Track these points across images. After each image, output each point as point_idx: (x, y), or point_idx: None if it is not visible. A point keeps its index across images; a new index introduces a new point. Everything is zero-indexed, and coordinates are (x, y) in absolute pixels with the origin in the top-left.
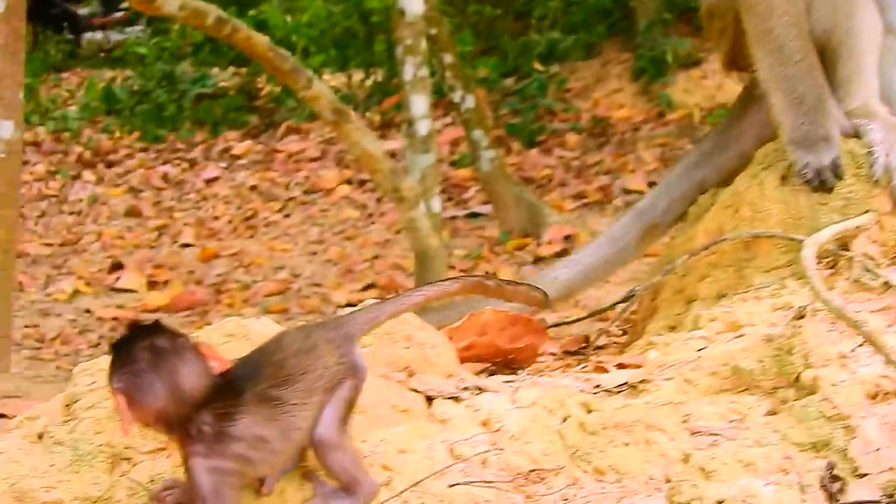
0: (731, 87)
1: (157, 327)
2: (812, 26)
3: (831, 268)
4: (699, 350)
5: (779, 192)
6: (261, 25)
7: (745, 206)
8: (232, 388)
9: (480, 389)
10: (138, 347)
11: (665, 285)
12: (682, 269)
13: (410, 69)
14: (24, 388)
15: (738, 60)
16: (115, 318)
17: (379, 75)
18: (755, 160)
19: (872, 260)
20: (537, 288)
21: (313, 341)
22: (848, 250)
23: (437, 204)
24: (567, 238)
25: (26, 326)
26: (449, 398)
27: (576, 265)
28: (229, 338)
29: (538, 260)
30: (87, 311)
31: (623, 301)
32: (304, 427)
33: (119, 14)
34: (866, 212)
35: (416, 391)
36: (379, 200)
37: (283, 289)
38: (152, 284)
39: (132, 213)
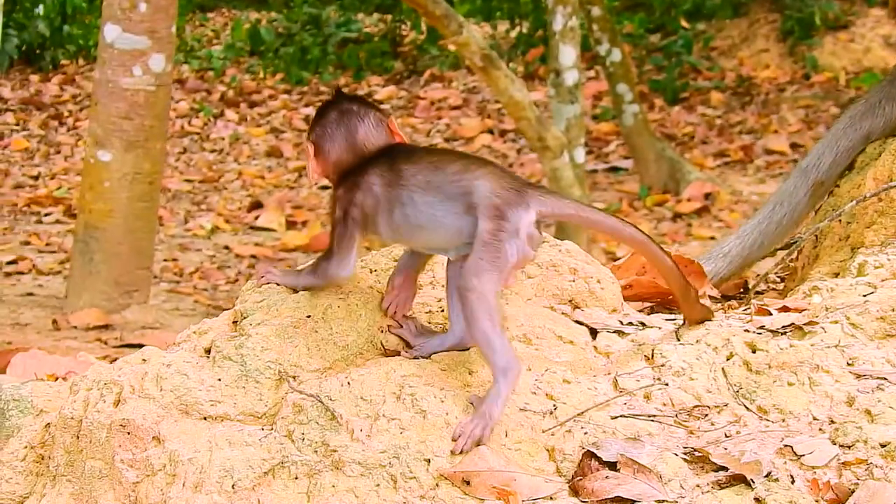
0: (878, 52)
1: (353, 97)
2: None
3: None
4: (865, 295)
5: None
6: None
7: None
8: (396, 161)
9: (644, 325)
10: (332, 108)
11: (829, 231)
12: (846, 216)
13: (560, 19)
14: (163, 320)
15: None
16: (252, 256)
17: (524, 26)
18: None
19: None
20: (696, 293)
21: (485, 171)
22: None
23: (580, 154)
24: (707, 196)
25: (165, 260)
26: (613, 332)
27: (747, 235)
28: (396, 262)
29: (677, 216)
30: (226, 247)
31: (785, 247)
32: (436, 229)
33: None
34: None
35: (581, 323)
36: (519, 151)
37: None
38: (291, 224)
39: (273, 153)
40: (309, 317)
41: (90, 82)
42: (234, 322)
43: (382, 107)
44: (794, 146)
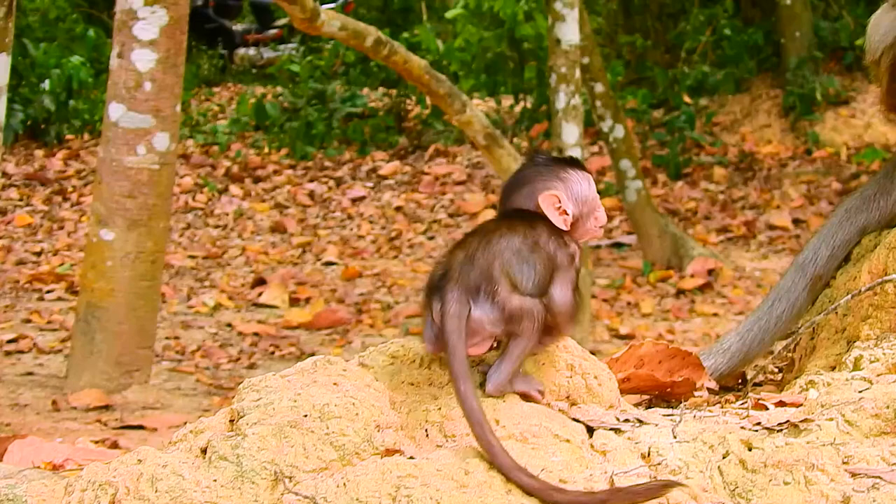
0: (879, 128)
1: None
2: None
3: None
4: (861, 391)
5: None
6: (413, 48)
7: None
8: None
9: (641, 422)
10: (568, 165)
11: (825, 324)
12: (843, 308)
13: (563, 97)
14: (165, 400)
15: None
16: (255, 334)
17: (528, 102)
18: None
19: None
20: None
21: None
22: None
23: None
24: (710, 272)
25: (168, 338)
26: (610, 429)
27: (747, 332)
28: (393, 359)
29: (680, 293)
30: (229, 325)
31: (783, 338)
32: None
33: (273, 31)
34: None
35: (577, 421)
36: None
37: None
38: (294, 301)
39: (277, 228)
40: (306, 416)
41: (95, 157)
42: (231, 421)
43: (386, 182)
44: (796, 222)
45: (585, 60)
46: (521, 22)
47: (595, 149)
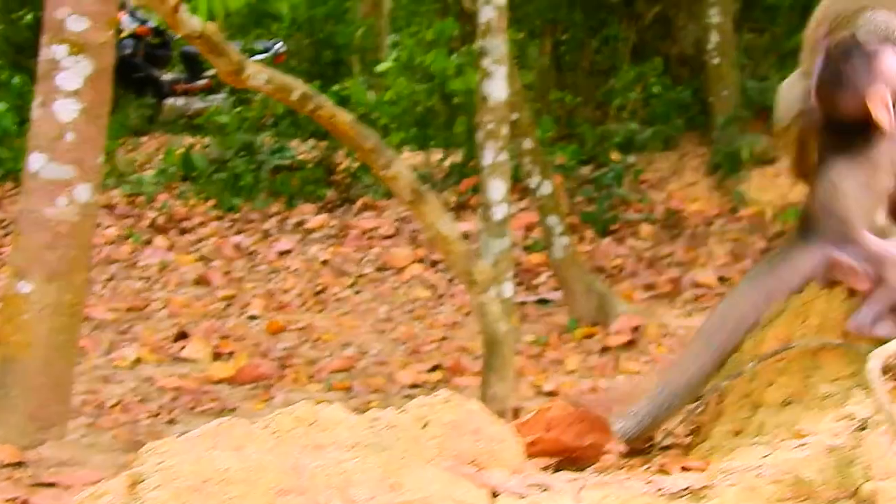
0: (804, 188)
1: None
2: None
3: None
4: (763, 457)
5: (847, 303)
6: (344, 101)
7: (814, 314)
8: None
9: (545, 488)
10: None
11: (732, 389)
12: (749, 373)
13: (490, 154)
14: (80, 457)
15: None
16: (176, 388)
17: (458, 156)
18: None
19: None
20: None
21: None
22: None
23: (508, 289)
24: (635, 329)
25: (86, 393)
26: (515, 495)
27: (657, 396)
28: (298, 422)
29: (605, 349)
30: (149, 379)
31: (692, 402)
32: None
33: (203, 82)
34: None
35: (482, 486)
36: (450, 281)
37: (348, 366)
38: (217, 355)
39: (202, 281)
40: (206, 481)
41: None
42: (132, 484)
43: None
44: (721, 279)
45: (515, 116)
46: (451, 76)
47: (523, 204)
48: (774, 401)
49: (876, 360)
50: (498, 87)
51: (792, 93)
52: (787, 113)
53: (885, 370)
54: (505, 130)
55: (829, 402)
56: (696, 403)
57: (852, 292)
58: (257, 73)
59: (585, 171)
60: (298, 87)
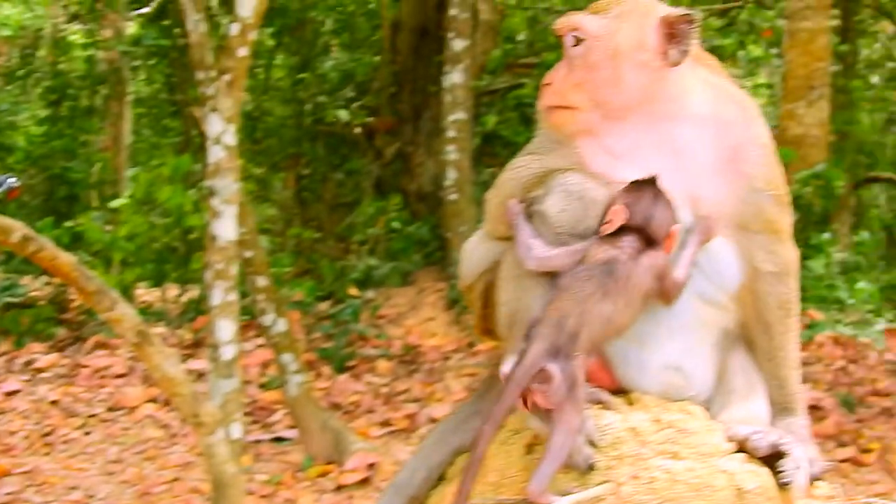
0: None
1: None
2: None
3: None
4: None
5: (525, 459)
6: (77, 237)
7: (492, 472)
8: None
9: None
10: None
11: None
12: None
13: (219, 293)
14: None
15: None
16: None
17: (194, 292)
18: (505, 426)
19: None
20: None
21: None
22: None
23: (237, 430)
24: (370, 466)
25: None
26: None
27: None
28: None
29: (340, 488)
30: None
31: None
32: None
33: None
34: (605, 482)
35: None
36: (183, 420)
37: None
38: None
39: None
40: None
41: None
42: None
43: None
44: None
45: (249, 254)
46: (189, 212)
47: (260, 341)
48: None
49: None
50: (227, 226)
51: (476, 253)
52: (472, 272)
53: None
54: (234, 270)
55: None
56: None
57: (529, 449)
58: None
59: (324, 306)
60: (18, 228)
